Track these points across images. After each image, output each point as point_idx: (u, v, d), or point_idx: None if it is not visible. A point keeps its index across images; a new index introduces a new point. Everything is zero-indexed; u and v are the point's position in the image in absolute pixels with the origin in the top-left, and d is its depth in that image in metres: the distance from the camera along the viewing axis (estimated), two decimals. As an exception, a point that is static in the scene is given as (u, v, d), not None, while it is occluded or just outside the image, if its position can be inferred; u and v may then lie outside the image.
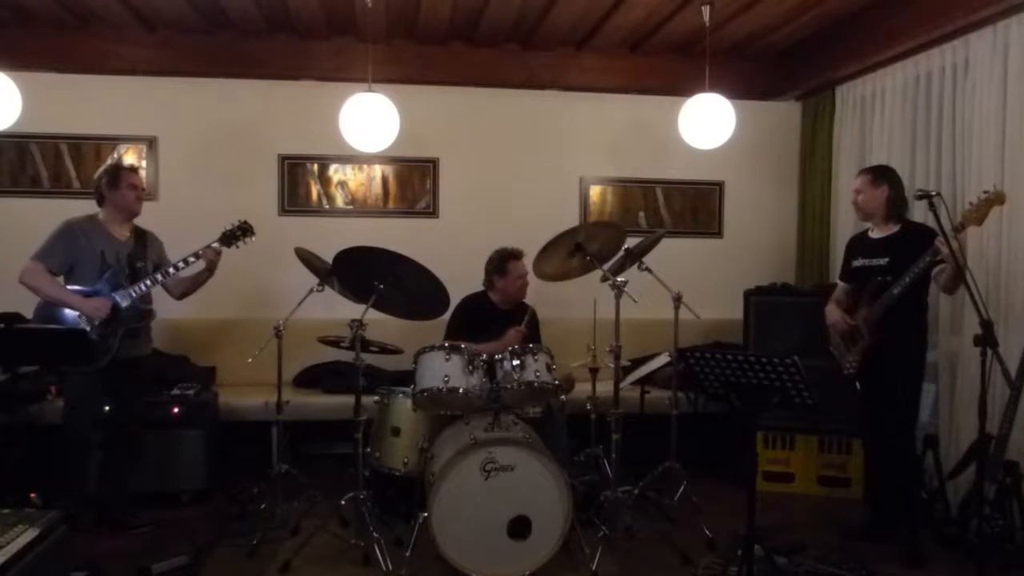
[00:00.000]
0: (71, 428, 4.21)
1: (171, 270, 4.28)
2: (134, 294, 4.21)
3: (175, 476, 4.73)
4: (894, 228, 4.24)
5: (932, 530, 4.23)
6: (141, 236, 4.41)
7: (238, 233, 4.44)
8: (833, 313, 4.37)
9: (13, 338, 3.74)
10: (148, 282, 4.25)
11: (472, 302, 4.87)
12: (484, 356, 3.97)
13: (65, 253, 4.17)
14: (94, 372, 4.10)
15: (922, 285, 4.07)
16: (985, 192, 3.78)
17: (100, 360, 4.10)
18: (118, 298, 4.17)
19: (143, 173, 5.76)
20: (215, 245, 4.36)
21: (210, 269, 4.38)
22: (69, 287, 4.17)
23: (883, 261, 4.18)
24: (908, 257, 3.98)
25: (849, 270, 4.45)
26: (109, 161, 5.70)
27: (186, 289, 4.49)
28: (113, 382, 4.23)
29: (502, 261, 4.81)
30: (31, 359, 4.14)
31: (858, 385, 4.26)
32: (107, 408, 4.32)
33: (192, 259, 4.30)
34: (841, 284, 4.55)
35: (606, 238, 4.38)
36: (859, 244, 4.44)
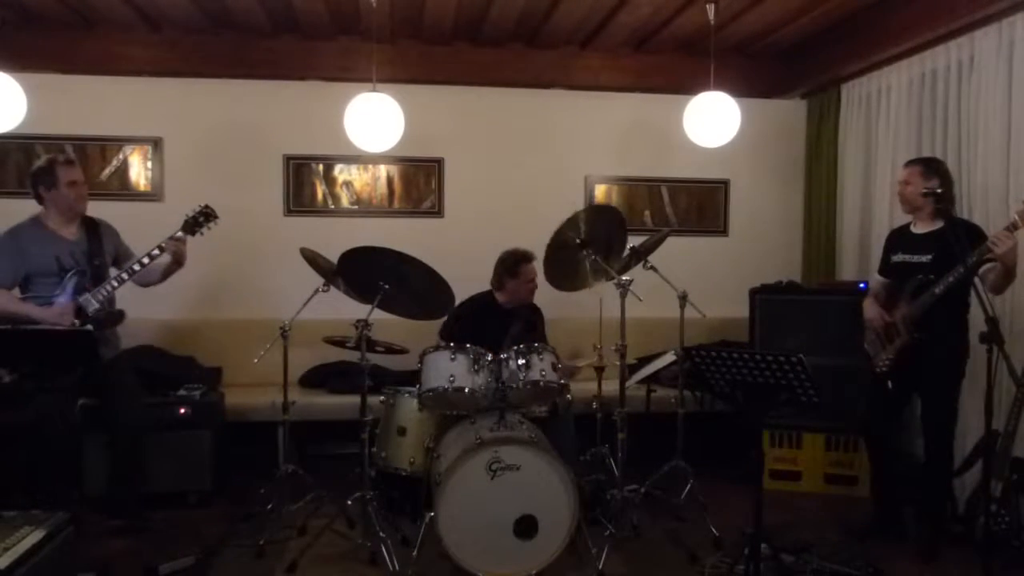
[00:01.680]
0: (47, 442, 3.98)
1: (135, 267, 4.08)
2: (101, 296, 4.05)
3: (182, 477, 4.72)
4: (938, 224, 4.06)
5: (940, 527, 4.21)
6: (93, 229, 4.22)
7: (200, 219, 4.22)
8: (871, 309, 4.27)
9: (17, 339, 3.73)
10: (114, 282, 4.08)
11: (475, 303, 4.85)
12: (490, 356, 3.97)
13: (13, 265, 4.01)
14: (69, 379, 3.92)
15: (965, 284, 3.85)
16: None
17: (73, 370, 3.93)
18: (85, 301, 4.02)
19: (149, 174, 5.80)
20: (178, 235, 4.14)
21: (178, 261, 4.19)
22: (29, 297, 4.00)
23: (926, 258, 4.06)
24: (952, 255, 3.76)
25: (888, 265, 4.34)
26: (115, 162, 5.70)
27: (154, 282, 4.32)
28: (92, 386, 4.12)
29: (515, 263, 4.78)
30: (35, 360, 4.13)
31: (889, 384, 4.15)
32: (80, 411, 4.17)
33: (156, 252, 4.10)
34: (879, 278, 4.44)
35: (603, 223, 4.29)
36: (900, 238, 4.32)
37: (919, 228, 4.22)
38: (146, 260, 4.11)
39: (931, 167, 4.14)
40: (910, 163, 4.26)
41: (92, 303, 4.05)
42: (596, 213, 4.60)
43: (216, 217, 4.32)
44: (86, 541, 3.66)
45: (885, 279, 4.38)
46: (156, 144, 5.84)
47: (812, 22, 5.45)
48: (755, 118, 5.80)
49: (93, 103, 5.77)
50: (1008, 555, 3.79)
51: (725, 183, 6.47)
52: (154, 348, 5.39)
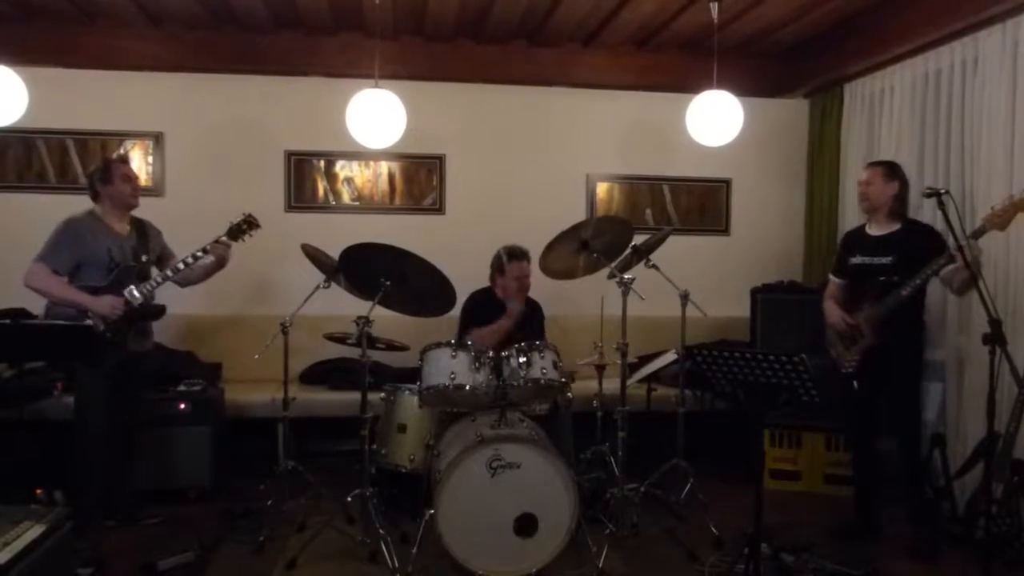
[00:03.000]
0: (84, 427, 4.14)
1: (180, 265, 4.23)
2: (147, 290, 4.18)
3: (181, 472, 4.72)
4: (895, 226, 4.20)
5: (938, 529, 4.22)
6: (141, 228, 4.37)
7: (244, 227, 4.37)
8: (833, 312, 4.32)
9: (18, 333, 3.73)
10: (159, 279, 4.21)
11: (478, 298, 4.87)
12: (491, 353, 3.97)
13: (71, 252, 4.10)
14: (105, 370, 4.04)
15: (924, 286, 4.03)
16: (1010, 196, 3.69)
17: (113, 358, 4.07)
18: (129, 295, 4.13)
19: (150, 169, 5.79)
20: (223, 239, 4.32)
21: (220, 263, 4.36)
22: (78, 286, 4.11)
23: (886, 260, 4.13)
24: (913, 256, 3.95)
25: (845, 266, 4.38)
26: (114, 156, 5.70)
27: (195, 281, 4.47)
28: (118, 378, 4.19)
29: (500, 261, 4.80)
30: (37, 355, 4.13)
31: (855, 384, 4.22)
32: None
33: (200, 254, 4.25)
34: (835, 280, 4.48)
35: (613, 234, 4.36)
36: (857, 240, 4.37)
37: (875, 230, 4.28)
38: (190, 260, 4.23)
39: (892, 169, 4.25)
40: (872, 164, 4.38)
41: (137, 297, 4.15)
42: (608, 223, 4.60)
43: (259, 226, 4.41)
44: (85, 536, 3.65)
45: (841, 280, 4.43)
46: (157, 139, 5.84)
47: (815, 21, 5.45)
48: (757, 117, 5.79)
49: (94, 97, 5.76)
50: (1008, 557, 3.78)
51: (727, 182, 6.46)
52: (154, 343, 5.37)
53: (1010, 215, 3.66)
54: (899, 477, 4.28)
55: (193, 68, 5.79)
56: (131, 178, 4.30)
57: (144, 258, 4.29)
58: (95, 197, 4.26)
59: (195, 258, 4.24)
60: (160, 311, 4.35)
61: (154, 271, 4.31)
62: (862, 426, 4.38)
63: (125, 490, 4.41)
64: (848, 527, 4.36)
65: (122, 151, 5.77)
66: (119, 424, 4.28)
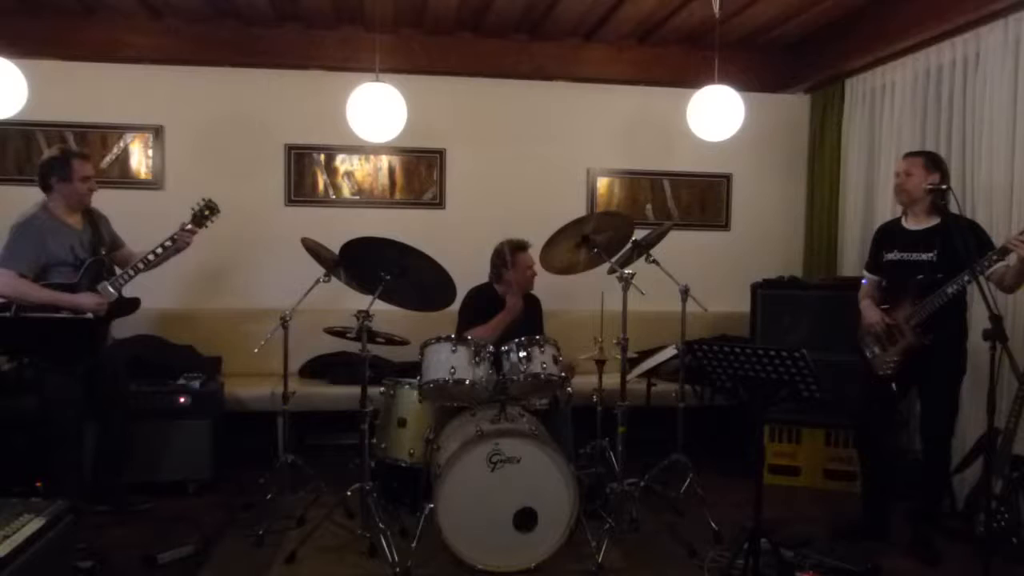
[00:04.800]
0: (53, 429, 4.04)
1: (151, 257, 4.17)
2: (119, 285, 4.13)
3: (181, 466, 4.73)
4: (935, 220, 3.95)
5: (938, 524, 4.22)
6: (91, 218, 4.25)
7: (205, 212, 4.30)
8: (872, 313, 4.09)
9: (17, 327, 3.72)
10: (131, 271, 4.15)
11: (479, 293, 4.86)
12: (491, 348, 3.96)
13: (35, 254, 3.99)
14: (76, 372, 3.97)
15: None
16: None
17: (94, 355, 4.04)
18: (104, 291, 4.08)
19: (149, 162, 5.78)
20: (189, 227, 4.24)
21: (179, 249, 4.27)
22: (47, 285, 4.02)
23: (927, 256, 3.91)
24: (956, 253, 3.63)
25: (881, 262, 4.17)
26: (116, 150, 5.70)
27: (155, 266, 4.36)
28: (92, 377, 4.14)
29: (511, 253, 4.78)
30: (36, 348, 4.12)
31: (894, 386, 4.04)
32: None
33: (169, 243, 4.19)
34: (871, 277, 4.27)
35: (614, 229, 4.35)
36: (894, 235, 4.14)
37: (913, 224, 4.07)
38: (160, 251, 4.18)
39: (935, 161, 4.02)
40: (912, 155, 4.10)
41: (112, 292, 4.11)
42: (608, 218, 4.58)
43: (218, 211, 4.35)
44: (85, 529, 3.65)
45: (876, 277, 4.25)
46: (157, 132, 5.82)
47: (817, 16, 5.44)
48: (758, 112, 5.77)
49: (94, 90, 5.75)
50: (1008, 552, 3.79)
51: (728, 177, 6.45)
52: (153, 337, 5.38)
53: None
54: (918, 479, 4.20)
55: (193, 61, 5.78)
56: (90, 178, 4.18)
57: (103, 251, 4.21)
58: (46, 189, 4.12)
59: (164, 248, 4.19)
60: (135, 304, 4.29)
61: (128, 266, 4.22)
62: (883, 427, 4.22)
63: (119, 481, 4.41)
64: (854, 526, 4.25)
65: (121, 144, 5.76)
66: (109, 418, 4.29)
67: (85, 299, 4.02)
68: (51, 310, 3.94)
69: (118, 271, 4.20)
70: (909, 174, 4.00)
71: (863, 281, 4.37)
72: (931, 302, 3.81)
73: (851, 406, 4.37)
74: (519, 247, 4.77)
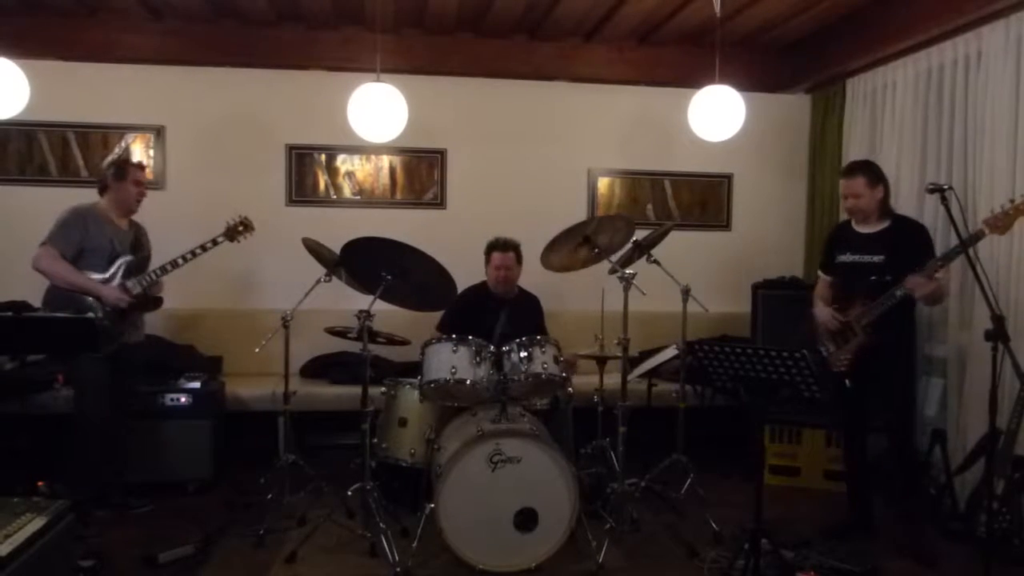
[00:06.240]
0: (86, 414, 4.22)
1: (180, 261, 4.35)
2: (145, 282, 4.31)
3: (181, 465, 4.73)
4: (884, 223, 4.08)
5: (939, 525, 4.22)
6: (138, 229, 4.51)
7: (240, 228, 4.56)
8: (824, 312, 4.20)
9: (20, 326, 3.72)
10: (157, 271, 4.34)
11: (469, 294, 4.83)
12: (492, 348, 3.96)
13: (77, 238, 4.21)
14: (102, 357, 4.11)
15: None
16: (1011, 200, 3.58)
17: (109, 345, 4.14)
18: (131, 286, 4.26)
19: (151, 162, 5.79)
20: (220, 240, 4.48)
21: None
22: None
23: (878, 258, 4.02)
24: (904, 255, 3.86)
25: (833, 263, 4.27)
26: (117, 150, 5.71)
27: None
28: (114, 367, 4.26)
29: (487, 250, 4.85)
30: (38, 347, 4.13)
31: (847, 383, 4.11)
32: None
33: (199, 251, 4.39)
34: (824, 278, 4.37)
35: (615, 230, 4.36)
36: (845, 238, 4.24)
37: (863, 227, 4.15)
38: (189, 256, 4.38)
39: (875, 174, 4.08)
40: (849, 175, 4.13)
41: (136, 287, 4.30)
42: (611, 223, 4.57)
43: (252, 228, 4.63)
44: (86, 529, 3.66)
45: (829, 278, 4.34)
46: (158, 132, 5.82)
47: (818, 16, 5.43)
48: (759, 112, 5.77)
49: (95, 90, 5.76)
50: (1009, 553, 3.79)
51: (728, 177, 6.45)
52: (155, 337, 5.37)
53: (1011, 220, 3.56)
54: (894, 475, 4.24)
55: (194, 61, 5.79)
56: (141, 183, 4.43)
57: (139, 255, 4.42)
58: (103, 190, 4.37)
59: (193, 254, 4.39)
60: (158, 303, 4.47)
61: (153, 266, 4.41)
62: (852, 424, 4.30)
63: (119, 480, 4.44)
64: (842, 525, 4.27)
65: (123, 144, 5.77)
66: (115, 414, 4.32)
67: (109, 291, 4.20)
68: (76, 292, 4.17)
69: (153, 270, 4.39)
70: (858, 196, 4.07)
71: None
72: (881, 303, 3.92)
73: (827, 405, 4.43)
74: (496, 246, 4.81)
